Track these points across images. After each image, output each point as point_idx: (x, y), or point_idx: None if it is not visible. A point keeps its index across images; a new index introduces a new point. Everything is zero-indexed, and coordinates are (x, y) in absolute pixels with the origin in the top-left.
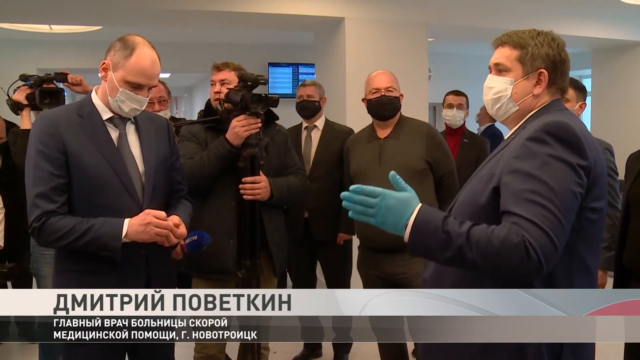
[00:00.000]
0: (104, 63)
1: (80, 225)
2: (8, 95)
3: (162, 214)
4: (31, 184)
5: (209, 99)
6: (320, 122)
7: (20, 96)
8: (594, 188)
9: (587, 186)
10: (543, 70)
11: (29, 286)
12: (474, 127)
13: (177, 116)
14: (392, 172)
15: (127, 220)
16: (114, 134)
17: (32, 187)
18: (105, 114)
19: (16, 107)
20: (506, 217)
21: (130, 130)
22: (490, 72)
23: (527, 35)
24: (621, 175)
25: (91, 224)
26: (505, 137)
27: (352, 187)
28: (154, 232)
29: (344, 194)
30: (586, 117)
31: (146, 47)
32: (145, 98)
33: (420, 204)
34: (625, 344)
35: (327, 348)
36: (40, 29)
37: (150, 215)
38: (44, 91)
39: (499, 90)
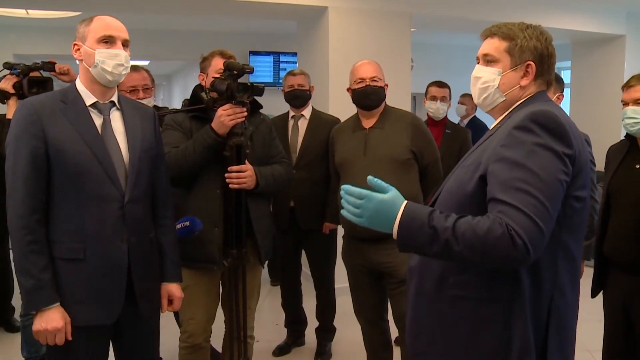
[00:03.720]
0: (74, 45)
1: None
2: None
3: None
4: (11, 191)
5: (195, 88)
6: (307, 112)
7: (7, 85)
8: (579, 177)
9: (572, 175)
10: (531, 63)
11: (8, 275)
12: (455, 118)
13: (155, 103)
14: (370, 177)
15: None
16: (97, 120)
17: (13, 202)
18: (89, 100)
19: (2, 96)
20: (493, 204)
21: (116, 116)
22: (478, 62)
23: (516, 27)
24: (600, 167)
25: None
26: (491, 127)
27: (342, 186)
28: None
29: (342, 192)
30: (565, 108)
31: (104, 15)
32: (122, 50)
33: (405, 202)
34: (604, 337)
35: (310, 336)
36: (16, 14)
37: None
38: (33, 80)
39: (486, 81)
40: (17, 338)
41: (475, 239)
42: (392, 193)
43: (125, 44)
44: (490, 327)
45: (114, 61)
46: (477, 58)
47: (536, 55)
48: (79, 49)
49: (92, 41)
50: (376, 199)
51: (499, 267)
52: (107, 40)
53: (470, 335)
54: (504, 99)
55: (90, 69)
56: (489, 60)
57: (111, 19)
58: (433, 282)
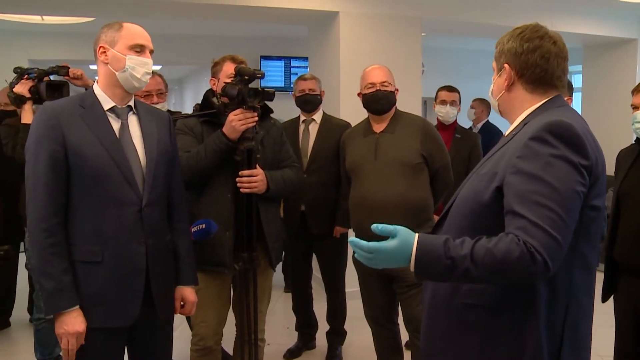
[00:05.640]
0: (101, 47)
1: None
2: (11, 88)
3: None
4: (31, 194)
5: (207, 93)
6: (318, 116)
7: (23, 89)
8: (595, 186)
9: (588, 185)
10: (505, 65)
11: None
12: (465, 122)
13: (168, 108)
14: (374, 226)
15: None
16: (115, 124)
17: (34, 205)
18: (107, 104)
19: (19, 101)
20: (510, 218)
21: (133, 121)
22: None
23: (507, 34)
24: (610, 171)
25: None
26: (506, 133)
27: (349, 240)
28: None
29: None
30: None
31: (128, 22)
32: (150, 60)
33: (417, 238)
34: (615, 341)
35: (321, 340)
36: (31, 20)
37: None
38: (50, 84)
39: (490, 90)
40: (30, 341)
41: (495, 263)
42: (401, 236)
43: (151, 53)
44: (502, 336)
45: (143, 69)
46: None
47: (510, 57)
48: (105, 52)
49: (123, 47)
50: (385, 250)
51: (519, 283)
52: (139, 49)
53: (482, 343)
54: (497, 102)
55: (117, 73)
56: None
57: (140, 28)
58: (447, 289)
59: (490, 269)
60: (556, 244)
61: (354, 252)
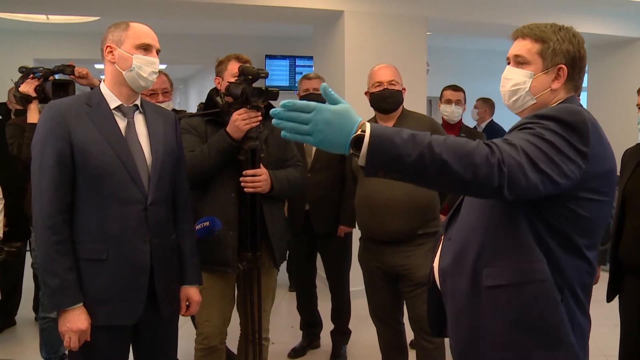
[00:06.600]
0: (108, 46)
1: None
2: (17, 88)
3: None
4: (37, 191)
5: (211, 92)
6: None
7: (28, 88)
8: (593, 180)
9: (583, 174)
10: (563, 66)
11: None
12: (470, 122)
13: (173, 107)
14: (324, 84)
15: None
16: (121, 123)
17: (39, 202)
18: (114, 103)
19: (24, 100)
20: None
21: (139, 120)
22: (509, 63)
23: (549, 29)
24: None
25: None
26: None
27: (282, 102)
28: None
29: (273, 111)
30: None
31: (136, 22)
32: (157, 59)
33: (362, 119)
34: (620, 342)
35: (326, 339)
36: (37, 19)
37: None
38: (56, 83)
39: (517, 83)
40: (36, 340)
41: (457, 145)
42: (346, 105)
43: (157, 52)
44: (532, 309)
45: (150, 68)
46: (508, 59)
47: (568, 59)
48: (112, 52)
49: (129, 46)
50: (328, 109)
51: (474, 183)
52: (145, 48)
53: (513, 322)
54: (535, 101)
55: (124, 72)
56: (520, 62)
57: (147, 27)
58: (467, 279)
59: (452, 147)
60: (518, 160)
61: (359, 251)
